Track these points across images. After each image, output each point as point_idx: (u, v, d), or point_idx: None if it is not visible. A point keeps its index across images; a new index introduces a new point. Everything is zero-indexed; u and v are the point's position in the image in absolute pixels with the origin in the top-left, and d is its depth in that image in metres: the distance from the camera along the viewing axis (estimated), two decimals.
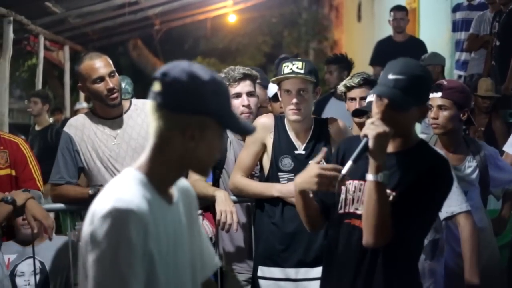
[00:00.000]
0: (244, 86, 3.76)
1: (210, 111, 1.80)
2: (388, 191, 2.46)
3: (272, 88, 4.24)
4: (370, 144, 2.40)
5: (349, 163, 2.43)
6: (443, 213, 3.33)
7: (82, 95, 12.42)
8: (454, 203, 3.33)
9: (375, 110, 2.48)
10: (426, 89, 2.58)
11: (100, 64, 3.51)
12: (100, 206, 1.72)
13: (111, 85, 3.49)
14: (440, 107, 3.62)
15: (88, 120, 3.63)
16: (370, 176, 2.42)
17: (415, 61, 2.61)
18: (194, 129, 1.79)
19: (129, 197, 1.74)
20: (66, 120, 10.74)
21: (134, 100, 3.73)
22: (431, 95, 3.60)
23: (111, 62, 3.57)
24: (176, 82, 1.79)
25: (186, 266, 1.91)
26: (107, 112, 3.60)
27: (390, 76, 2.47)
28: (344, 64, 6.30)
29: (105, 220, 1.69)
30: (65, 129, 3.64)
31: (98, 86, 3.51)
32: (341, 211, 2.63)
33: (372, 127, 2.41)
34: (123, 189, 1.78)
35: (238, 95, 3.75)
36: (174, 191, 1.92)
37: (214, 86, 1.81)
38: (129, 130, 3.57)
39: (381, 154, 2.41)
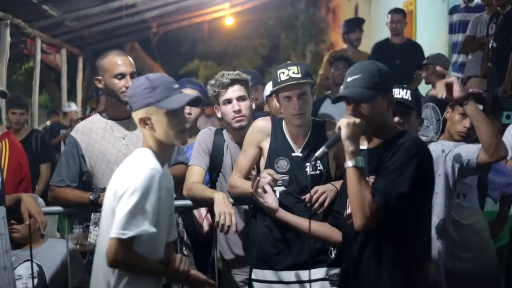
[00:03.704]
0: (233, 92, 3.75)
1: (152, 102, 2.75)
2: (370, 178, 2.67)
3: (268, 88, 4.26)
4: (342, 132, 2.67)
5: (322, 148, 2.78)
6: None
7: (77, 97, 12.41)
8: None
9: (347, 112, 2.72)
10: (383, 79, 2.75)
11: (123, 62, 3.63)
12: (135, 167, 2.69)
13: (129, 85, 3.49)
14: None
15: (95, 124, 3.67)
16: (348, 163, 2.66)
17: (369, 60, 2.93)
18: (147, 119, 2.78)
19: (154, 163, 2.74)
20: (60, 123, 10.74)
21: None
22: None
23: (133, 63, 3.70)
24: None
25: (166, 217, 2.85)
26: (118, 112, 3.63)
27: (349, 79, 2.76)
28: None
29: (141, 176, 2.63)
30: (72, 133, 3.70)
31: (117, 82, 3.59)
32: (348, 212, 2.80)
33: (344, 120, 2.71)
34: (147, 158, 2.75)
35: (229, 101, 3.75)
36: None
37: (149, 83, 2.75)
38: (137, 131, 3.58)
39: (353, 141, 2.66)
